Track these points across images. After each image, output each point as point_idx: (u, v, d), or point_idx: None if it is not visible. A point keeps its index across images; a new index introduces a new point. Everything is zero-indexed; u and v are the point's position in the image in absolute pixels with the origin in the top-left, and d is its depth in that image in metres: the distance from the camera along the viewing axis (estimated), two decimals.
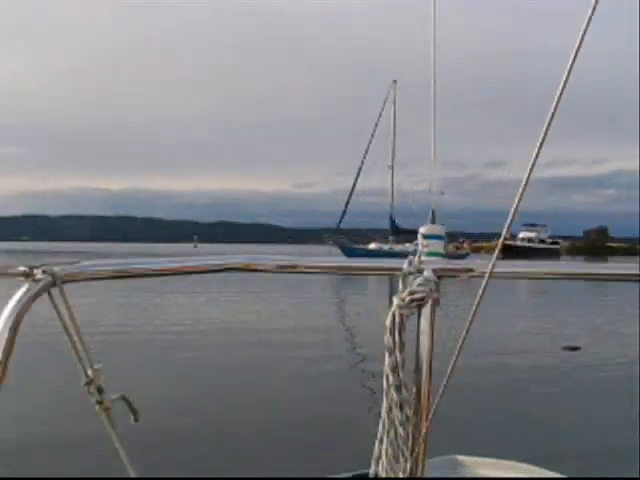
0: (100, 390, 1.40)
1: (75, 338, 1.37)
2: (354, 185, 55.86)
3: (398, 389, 1.45)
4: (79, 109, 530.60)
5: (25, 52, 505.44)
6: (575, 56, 1.01)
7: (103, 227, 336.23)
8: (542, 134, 1.07)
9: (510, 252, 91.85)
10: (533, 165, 1.10)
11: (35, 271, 1.29)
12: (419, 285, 1.43)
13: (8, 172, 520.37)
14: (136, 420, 1.48)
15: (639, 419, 7.22)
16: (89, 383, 1.40)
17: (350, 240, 55.77)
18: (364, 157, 55.40)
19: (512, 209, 1.15)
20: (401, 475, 1.47)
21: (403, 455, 1.46)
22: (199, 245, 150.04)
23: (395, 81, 56.09)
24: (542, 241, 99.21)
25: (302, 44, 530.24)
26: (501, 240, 1.24)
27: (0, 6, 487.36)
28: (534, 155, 1.09)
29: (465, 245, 60.72)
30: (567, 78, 1.02)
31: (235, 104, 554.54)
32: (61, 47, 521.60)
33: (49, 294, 1.31)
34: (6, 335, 1.23)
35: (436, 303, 1.45)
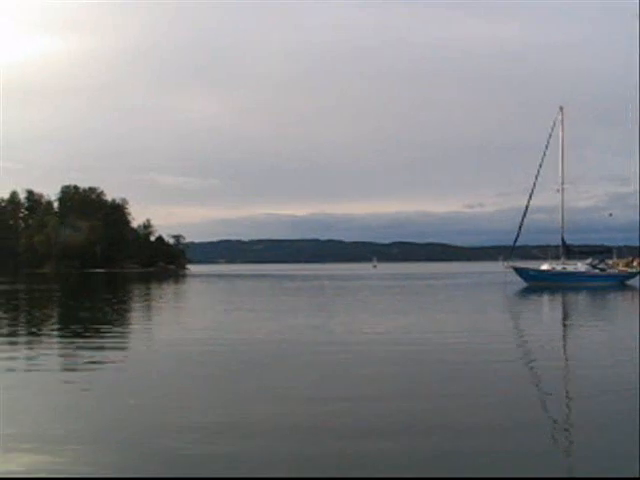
0: None
1: None
2: (527, 206, 54.42)
3: None
4: (264, 143, 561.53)
5: (212, 93, 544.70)
6: None
7: (291, 249, 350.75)
8: None
9: None
10: None
11: None
12: None
13: (207, 203, 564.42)
14: None
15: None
16: None
17: (522, 259, 56.35)
18: (535, 179, 53.96)
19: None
20: None
21: None
22: (377, 265, 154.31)
23: (562, 107, 55.28)
24: None
25: (467, 72, 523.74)
26: None
27: (188, 54, 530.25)
28: None
29: (635, 263, 56.05)
30: None
31: (408, 134, 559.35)
32: (243, 87, 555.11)
33: None
34: None
35: None
